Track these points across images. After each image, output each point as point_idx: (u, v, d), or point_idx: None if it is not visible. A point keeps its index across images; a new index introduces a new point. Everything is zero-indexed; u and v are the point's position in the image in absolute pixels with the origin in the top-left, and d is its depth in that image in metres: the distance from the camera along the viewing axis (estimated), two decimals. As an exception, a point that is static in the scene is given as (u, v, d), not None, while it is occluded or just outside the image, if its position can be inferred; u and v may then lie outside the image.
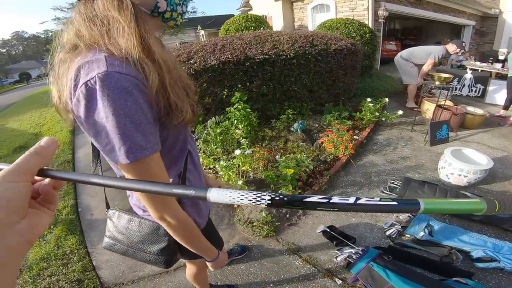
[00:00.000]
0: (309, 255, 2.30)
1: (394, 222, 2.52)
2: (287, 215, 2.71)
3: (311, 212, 2.76)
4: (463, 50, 4.66)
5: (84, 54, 0.61)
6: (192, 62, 3.61)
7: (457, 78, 6.10)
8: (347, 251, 2.13)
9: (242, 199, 0.32)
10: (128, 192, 0.96)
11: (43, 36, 50.79)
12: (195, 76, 3.56)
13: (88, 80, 0.55)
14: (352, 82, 4.73)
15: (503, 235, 2.44)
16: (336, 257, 2.15)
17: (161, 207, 0.75)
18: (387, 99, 4.34)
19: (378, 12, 7.70)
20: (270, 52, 3.75)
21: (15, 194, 0.33)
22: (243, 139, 3.08)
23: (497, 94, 5.47)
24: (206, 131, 3.75)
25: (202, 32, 21.34)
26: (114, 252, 1.04)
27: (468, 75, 5.95)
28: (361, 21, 6.92)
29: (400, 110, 4.21)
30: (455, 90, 6.05)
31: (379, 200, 0.32)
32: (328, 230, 2.42)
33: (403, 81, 5.25)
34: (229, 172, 2.73)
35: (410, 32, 13.22)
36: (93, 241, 2.79)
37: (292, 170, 2.71)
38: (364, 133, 4.04)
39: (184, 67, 3.56)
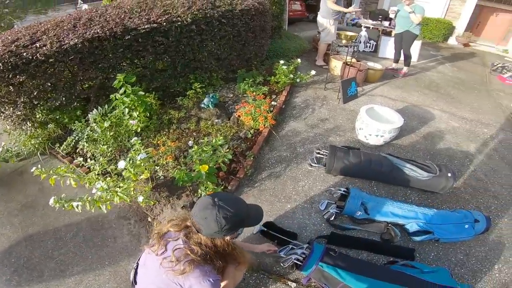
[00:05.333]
0: (255, 265, 1.84)
1: (329, 201, 2.25)
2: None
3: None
4: None
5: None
6: (38, 45, 2.32)
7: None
8: (292, 253, 1.78)
9: None
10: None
11: None
12: (46, 62, 2.34)
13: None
14: (263, 45, 4.09)
15: (424, 197, 2.39)
16: (283, 262, 1.77)
17: None
18: (299, 60, 3.90)
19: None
20: (160, 20, 2.73)
21: None
22: (135, 140, 2.11)
23: (387, 49, 5.66)
24: (89, 128, 2.69)
25: (86, 6, 16.87)
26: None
27: (363, 32, 5.98)
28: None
29: (312, 70, 3.86)
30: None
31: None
32: (266, 229, 1.99)
33: (320, 40, 4.86)
34: (118, 194, 1.84)
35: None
36: None
37: (207, 167, 2.02)
38: (281, 97, 3.56)
39: (25, 53, 2.27)
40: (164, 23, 2.75)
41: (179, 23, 2.84)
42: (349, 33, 3.47)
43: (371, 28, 6.47)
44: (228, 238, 1.12)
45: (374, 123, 2.66)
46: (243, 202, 1.18)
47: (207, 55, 3.30)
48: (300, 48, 5.44)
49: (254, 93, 3.19)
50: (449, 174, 2.30)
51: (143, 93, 2.67)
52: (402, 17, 4.36)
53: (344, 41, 3.49)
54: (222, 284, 1.28)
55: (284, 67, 3.63)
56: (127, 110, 2.66)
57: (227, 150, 2.24)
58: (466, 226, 2.02)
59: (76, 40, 2.38)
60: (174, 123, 2.99)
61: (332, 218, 2.12)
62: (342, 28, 6.73)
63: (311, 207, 2.25)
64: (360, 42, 6.07)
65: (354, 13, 8.29)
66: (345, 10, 4.31)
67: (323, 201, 2.25)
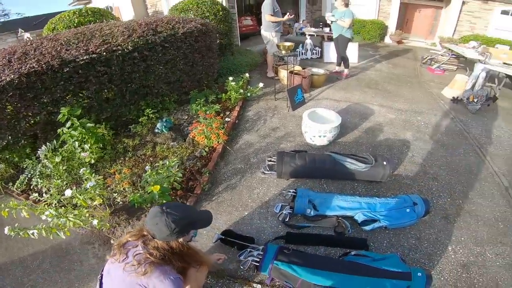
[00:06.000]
0: (217, 269, 1.91)
1: (282, 204, 2.38)
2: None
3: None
4: None
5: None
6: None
7: (301, 44, 6.49)
8: (250, 255, 1.87)
9: None
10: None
11: None
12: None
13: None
14: (212, 64, 4.23)
15: (370, 187, 2.57)
16: (242, 265, 1.87)
17: None
18: (247, 75, 4.09)
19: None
20: (99, 50, 2.76)
21: None
22: (84, 170, 2.09)
23: (330, 54, 6.09)
24: (41, 164, 2.63)
25: (27, 35, 15.80)
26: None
27: (308, 40, 6.39)
28: (214, -1, 6.39)
29: (260, 83, 4.06)
30: (302, 55, 6.44)
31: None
32: (224, 237, 2.06)
33: (268, 52, 5.09)
34: (69, 219, 1.84)
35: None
36: None
37: (158, 187, 2.09)
38: (234, 113, 3.70)
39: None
40: (104, 53, 2.78)
41: (120, 51, 2.89)
42: (287, 44, 3.72)
43: (315, 35, 6.92)
44: (181, 240, 1.24)
45: (315, 125, 2.87)
46: (192, 208, 1.37)
47: (156, 80, 3.37)
48: (253, 62, 5.68)
49: (205, 113, 3.29)
50: (385, 163, 2.53)
51: (91, 124, 2.67)
52: (335, 22, 4.73)
53: (283, 52, 3.73)
54: (186, 287, 1.37)
55: (233, 83, 3.79)
56: (77, 143, 2.63)
57: (177, 170, 2.31)
58: (408, 210, 2.14)
59: (12, 76, 2.34)
60: (130, 151, 2.99)
61: (287, 219, 2.23)
62: (290, 38, 7.13)
63: (267, 211, 2.36)
64: (307, 50, 6.49)
65: (301, 23, 8.82)
66: (281, 19, 4.59)
67: (278, 204, 2.37)
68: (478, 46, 5.49)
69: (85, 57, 2.66)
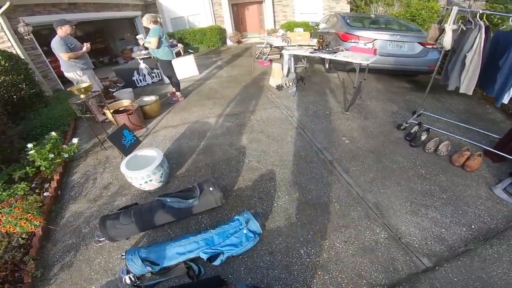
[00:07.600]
0: None
1: (124, 269, 2.02)
2: None
3: None
4: (72, 26, 3.91)
5: None
6: None
7: (136, 71, 6.04)
8: None
9: None
10: None
11: None
12: None
13: None
14: (2, 131, 3.30)
15: (214, 214, 2.45)
16: None
17: None
18: (53, 133, 3.35)
19: (19, 30, 5.92)
20: None
21: None
22: None
23: (167, 74, 5.89)
24: None
25: None
26: None
27: (142, 65, 5.99)
28: (-1, 47, 5.06)
29: (75, 138, 3.43)
30: (140, 82, 6.02)
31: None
32: None
33: None
34: None
35: (95, 36, 11.87)
36: None
37: None
38: (53, 183, 2.99)
39: None
40: None
41: None
42: (83, 85, 3.24)
43: (152, 57, 6.56)
44: None
45: (135, 173, 2.59)
46: None
47: None
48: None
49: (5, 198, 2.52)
50: (211, 188, 2.43)
51: None
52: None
53: (82, 96, 3.24)
54: None
55: (32, 152, 3.03)
56: None
57: None
58: (245, 231, 2.07)
59: None
60: None
61: (138, 280, 1.95)
62: (124, 66, 6.52)
63: (115, 278, 2.03)
64: (145, 76, 6.09)
65: (140, 46, 8.24)
66: (82, 52, 4.00)
67: (123, 267, 2.04)
68: (284, 33, 6.34)
69: None
